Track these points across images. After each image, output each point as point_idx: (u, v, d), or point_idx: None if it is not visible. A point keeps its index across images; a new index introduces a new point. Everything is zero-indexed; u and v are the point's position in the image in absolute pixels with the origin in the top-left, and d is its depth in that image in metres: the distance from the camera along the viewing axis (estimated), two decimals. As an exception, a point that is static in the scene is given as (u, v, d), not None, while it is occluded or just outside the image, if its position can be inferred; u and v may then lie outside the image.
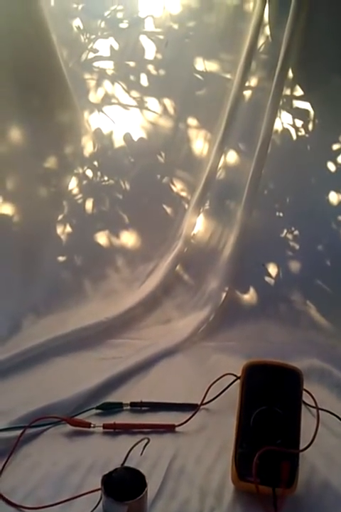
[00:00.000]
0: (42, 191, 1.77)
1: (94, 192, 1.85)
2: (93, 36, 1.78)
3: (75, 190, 1.84)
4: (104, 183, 1.85)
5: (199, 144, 1.82)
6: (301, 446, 0.98)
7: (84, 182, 1.85)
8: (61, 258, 1.81)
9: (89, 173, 1.85)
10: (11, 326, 1.59)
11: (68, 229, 1.82)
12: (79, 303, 1.75)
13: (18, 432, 1.13)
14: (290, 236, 1.84)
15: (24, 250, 1.70)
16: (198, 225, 1.84)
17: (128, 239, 1.85)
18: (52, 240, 1.79)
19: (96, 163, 1.85)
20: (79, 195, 1.84)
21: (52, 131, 1.72)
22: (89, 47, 1.78)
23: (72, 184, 1.83)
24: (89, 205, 1.84)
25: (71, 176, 1.83)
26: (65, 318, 1.66)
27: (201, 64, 1.79)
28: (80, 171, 1.84)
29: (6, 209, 1.74)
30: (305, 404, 1.13)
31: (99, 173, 1.85)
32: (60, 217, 1.82)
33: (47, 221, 1.79)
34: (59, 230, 1.81)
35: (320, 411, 1.05)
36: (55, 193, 1.81)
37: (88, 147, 1.83)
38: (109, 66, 1.80)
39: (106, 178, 1.85)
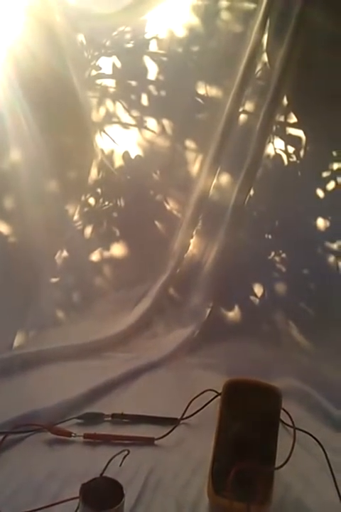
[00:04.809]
0: (41, 214, 1.70)
1: (94, 217, 1.86)
2: (96, 53, 1.81)
3: (76, 217, 1.85)
4: (104, 208, 1.88)
5: (195, 165, 1.86)
6: (277, 465, 1.00)
7: (86, 209, 1.86)
8: (55, 279, 1.81)
9: (92, 200, 1.86)
10: (5, 345, 1.60)
11: (65, 253, 1.82)
12: (73, 322, 1.76)
13: (-1, 438, 1.14)
14: (277, 258, 1.87)
15: (20, 271, 1.66)
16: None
17: (121, 255, 1.87)
18: (48, 261, 1.79)
19: (99, 190, 1.87)
20: (79, 222, 1.85)
21: (59, 154, 1.70)
22: (92, 64, 1.81)
23: (74, 210, 1.85)
24: (88, 230, 1.86)
25: (74, 203, 1.83)
26: (56, 336, 1.68)
27: (202, 88, 1.83)
28: (83, 198, 1.85)
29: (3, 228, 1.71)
30: (283, 423, 1.15)
31: (101, 200, 1.87)
32: (58, 238, 1.81)
33: (45, 243, 1.74)
34: (56, 251, 1.81)
35: (296, 430, 1.07)
36: (55, 216, 1.77)
37: (93, 174, 1.85)
38: (110, 84, 1.83)
39: (106, 203, 1.87)
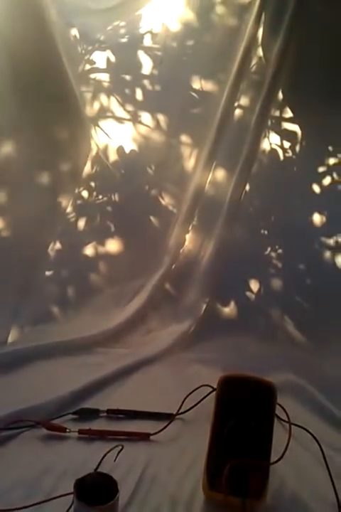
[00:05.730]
0: (34, 208, 1.67)
1: (87, 210, 1.85)
2: (90, 47, 1.80)
3: (69, 209, 1.82)
4: (98, 202, 1.86)
5: (191, 160, 1.85)
6: (272, 460, 1.00)
7: (79, 201, 1.84)
8: (49, 273, 1.79)
9: (85, 193, 1.84)
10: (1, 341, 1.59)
11: (58, 245, 1.79)
12: (67, 317, 1.75)
13: (-6, 434, 1.13)
14: (273, 254, 1.87)
15: (13, 265, 1.65)
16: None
17: (116, 251, 1.86)
18: (41, 254, 1.77)
19: (93, 184, 1.85)
20: (73, 214, 1.83)
21: (52, 147, 1.69)
22: (86, 58, 1.80)
23: (67, 203, 1.82)
24: (81, 222, 1.84)
25: (67, 196, 1.80)
26: (50, 331, 1.67)
27: (197, 82, 1.82)
28: (76, 191, 1.83)
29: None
30: (278, 418, 1.15)
31: (94, 193, 1.85)
32: (52, 232, 1.79)
33: (38, 235, 1.72)
34: (49, 243, 1.78)
35: (292, 425, 1.07)
36: (48, 209, 1.75)
37: (86, 167, 1.83)
38: (105, 78, 1.82)
39: (100, 197, 1.86)
